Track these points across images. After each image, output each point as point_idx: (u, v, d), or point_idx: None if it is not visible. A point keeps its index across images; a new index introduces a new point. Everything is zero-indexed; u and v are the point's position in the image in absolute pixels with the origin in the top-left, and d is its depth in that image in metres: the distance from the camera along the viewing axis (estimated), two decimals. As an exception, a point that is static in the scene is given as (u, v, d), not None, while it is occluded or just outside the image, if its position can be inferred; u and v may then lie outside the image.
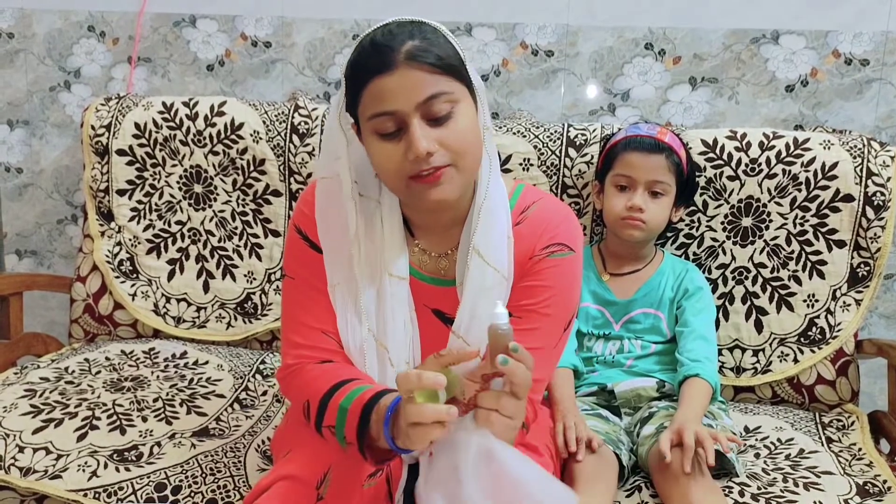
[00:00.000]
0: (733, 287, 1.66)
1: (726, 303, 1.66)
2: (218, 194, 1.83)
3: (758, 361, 1.65)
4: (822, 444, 1.47)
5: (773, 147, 1.63)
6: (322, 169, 1.14)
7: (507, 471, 0.89)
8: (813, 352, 1.63)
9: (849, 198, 1.60)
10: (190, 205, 1.85)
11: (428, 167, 1.01)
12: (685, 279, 1.54)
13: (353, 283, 1.12)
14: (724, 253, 1.66)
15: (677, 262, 1.60)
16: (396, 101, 0.99)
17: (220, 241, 1.84)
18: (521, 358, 0.91)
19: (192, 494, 1.26)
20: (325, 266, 1.13)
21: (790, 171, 1.62)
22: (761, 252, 1.65)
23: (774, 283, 1.65)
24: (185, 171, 1.84)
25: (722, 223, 1.66)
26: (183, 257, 1.86)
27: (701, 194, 1.65)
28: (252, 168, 1.80)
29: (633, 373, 1.50)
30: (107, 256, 1.85)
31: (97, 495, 1.25)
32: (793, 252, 1.64)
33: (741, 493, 1.26)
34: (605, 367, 1.52)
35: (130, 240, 1.86)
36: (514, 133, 1.71)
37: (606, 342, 1.53)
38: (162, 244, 1.86)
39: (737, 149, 1.64)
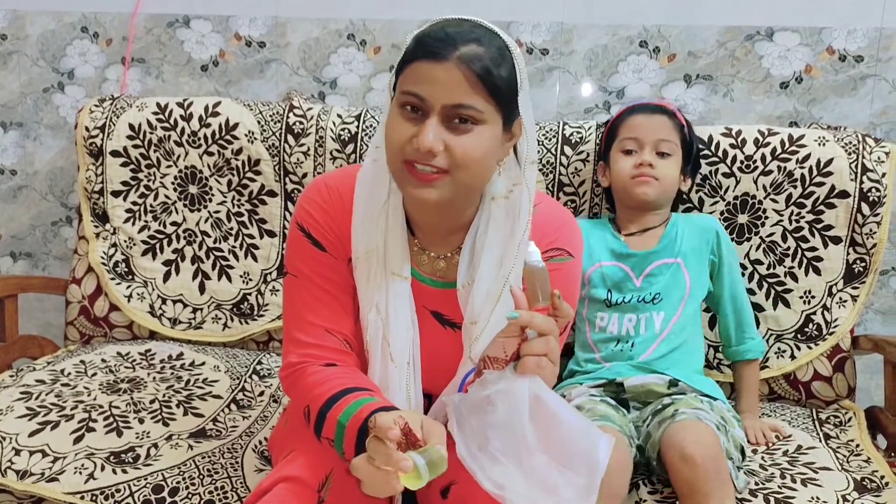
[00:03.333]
0: (730, 284, 1.66)
1: (723, 300, 1.66)
2: (213, 195, 1.83)
3: (755, 358, 1.65)
4: (820, 441, 1.47)
5: (769, 144, 1.63)
6: (375, 138, 1.13)
7: (554, 414, 0.92)
8: (809, 348, 1.63)
9: (844, 194, 1.61)
10: (185, 206, 1.84)
11: (426, 164, 1.01)
12: (708, 225, 1.55)
13: (381, 253, 1.12)
14: (721, 250, 1.67)
15: (689, 215, 1.61)
16: (428, 90, 1.00)
17: (215, 241, 1.84)
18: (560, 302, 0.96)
19: (190, 496, 1.25)
20: (353, 238, 1.12)
21: (785, 168, 1.62)
22: (757, 249, 1.65)
23: (771, 280, 1.65)
24: (180, 171, 1.83)
25: (718, 220, 1.66)
26: (178, 258, 1.85)
27: (696, 191, 1.65)
28: (247, 168, 1.80)
29: (645, 369, 1.45)
30: (102, 258, 1.85)
31: (94, 498, 1.24)
32: (789, 248, 1.64)
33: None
34: (617, 359, 1.47)
35: (126, 241, 1.86)
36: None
37: (622, 316, 1.49)
38: (157, 245, 1.86)
39: (732, 146, 1.64)
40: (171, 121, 1.82)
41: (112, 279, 1.84)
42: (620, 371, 1.45)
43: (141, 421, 1.44)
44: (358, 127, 1.75)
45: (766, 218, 1.64)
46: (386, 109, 1.08)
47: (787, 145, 1.63)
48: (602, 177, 1.62)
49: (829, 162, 1.61)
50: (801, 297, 1.64)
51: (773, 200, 1.64)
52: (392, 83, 1.07)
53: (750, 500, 1.24)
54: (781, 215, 1.64)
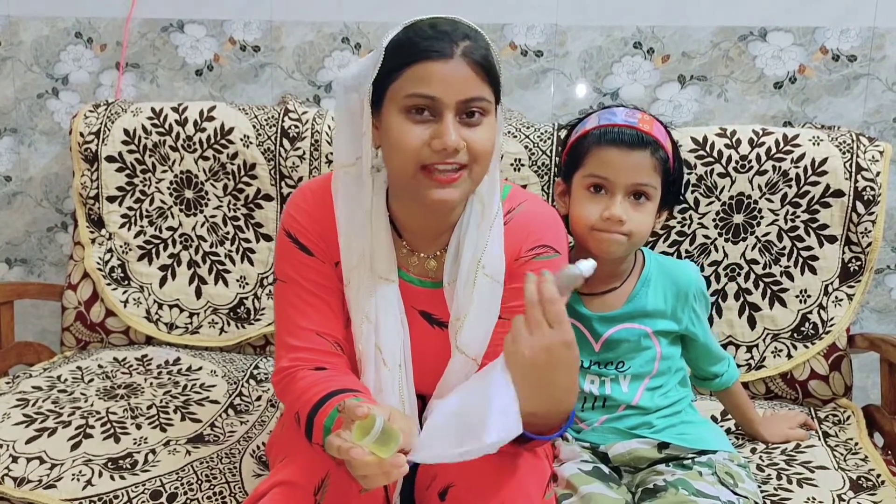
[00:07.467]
0: (726, 284, 1.67)
1: (719, 299, 1.67)
2: (209, 199, 1.83)
3: (751, 357, 1.65)
4: (819, 439, 1.47)
5: (763, 144, 1.64)
6: (343, 152, 1.11)
7: (488, 383, 0.97)
8: (806, 347, 1.63)
9: (839, 193, 1.61)
10: (181, 210, 1.84)
11: (450, 163, 1.01)
12: (685, 286, 1.29)
13: (368, 259, 1.12)
14: (717, 250, 1.67)
15: (666, 263, 1.33)
16: (440, 89, 1.00)
17: (211, 246, 1.83)
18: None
19: (188, 502, 1.25)
20: (342, 249, 1.13)
21: (780, 168, 1.62)
22: (753, 248, 1.66)
23: (767, 280, 1.66)
24: (176, 176, 1.83)
25: (714, 220, 1.66)
26: (175, 263, 1.85)
27: (692, 191, 1.65)
28: (243, 173, 1.80)
29: (629, 434, 1.26)
30: (98, 263, 1.84)
31: (92, 504, 1.25)
32: (784, 248, 1.64)
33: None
34: (592, 419, 1.28)
35: (121, 246, 1.86)
36: (505, 133, 1.71)
37: (582, 377, 1.26)
38: (153, 250, 1.86)
39: (727, 146, 1.64)
40: (166, 126, 1.82)
41: (108, 284, 1.84)
42: (604, 438, 1.27)
43: (138, 427, 1.44)
44: (353, 130, 1.75)
45: (762, 218, 1.65)
46: (348, 122, 1.08)
47: (781, 145, 1.63)
48: (559, 200, 1.31)
49: (824, 161, 1.61)
50: (798, 297, 1.64)
51: (769, 200, 1.64)
52: (369, 92, 1.05)
53: None
54: (777, 215, 1.64)
